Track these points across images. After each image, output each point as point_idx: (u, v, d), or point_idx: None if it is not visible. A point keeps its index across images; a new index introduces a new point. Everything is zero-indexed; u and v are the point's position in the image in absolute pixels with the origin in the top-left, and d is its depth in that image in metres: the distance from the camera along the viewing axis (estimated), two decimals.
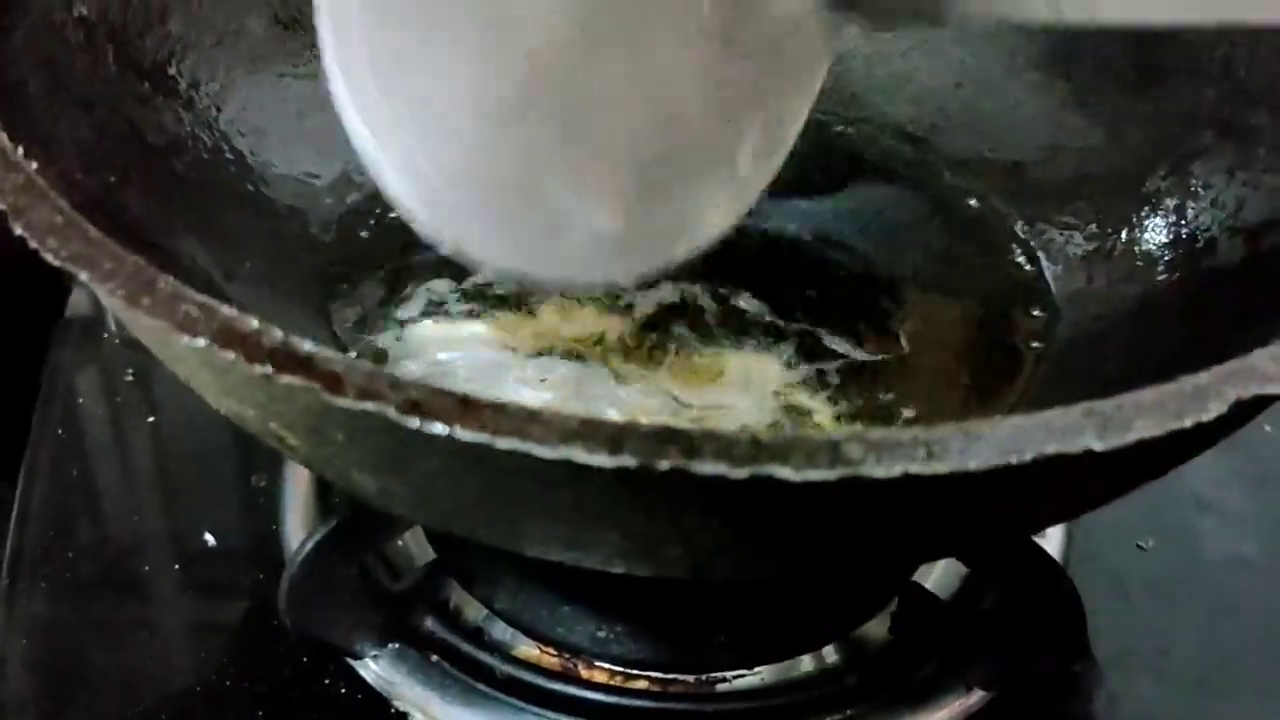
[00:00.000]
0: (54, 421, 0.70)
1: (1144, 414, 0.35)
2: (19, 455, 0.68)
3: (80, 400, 0.71)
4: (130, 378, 0.72)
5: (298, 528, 0.64)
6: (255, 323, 0.35)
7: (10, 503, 0.66)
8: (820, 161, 0.69)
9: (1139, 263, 0.62)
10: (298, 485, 0.65)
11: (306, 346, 0.34)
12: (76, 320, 0.75)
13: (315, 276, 0.63)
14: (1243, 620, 0.63)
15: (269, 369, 0.34)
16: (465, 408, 0.34)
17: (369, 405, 0.34)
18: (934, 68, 0.72)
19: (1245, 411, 0.37)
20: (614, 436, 0.33)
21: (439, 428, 0.33)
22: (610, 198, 0.49)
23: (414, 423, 0.33)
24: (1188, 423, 0.35)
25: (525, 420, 0.33)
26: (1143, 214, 0.63)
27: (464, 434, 0.33)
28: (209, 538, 0.64)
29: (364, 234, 0.65)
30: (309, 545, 0.56)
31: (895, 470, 0.33)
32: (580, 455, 0.33)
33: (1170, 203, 0.62)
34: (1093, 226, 0.65)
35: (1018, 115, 0.70)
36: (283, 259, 0.62)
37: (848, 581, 0.62)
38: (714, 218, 0.50)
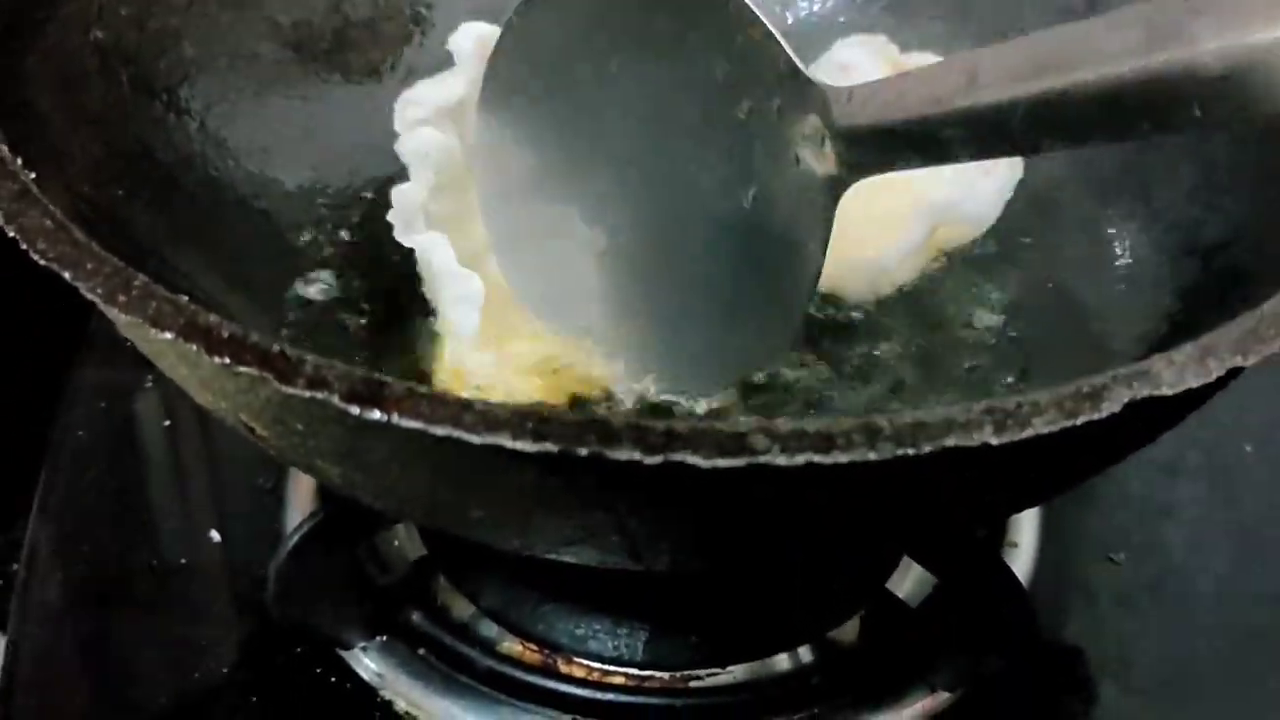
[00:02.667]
0: (74, 424, 0.73)
1: (1040, 412, 0.37)
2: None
3: (100, 405, 0.75)
4: (149, 385, 0.75)
5: (296, 523, 0.67)
6: (215, 318, 0.38)
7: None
8: None
9: None
10: (299, 486, 0.68)
11: (260, 340, 0.37)
12: (99, 330, 0.79)
13: None
14: (1209, 633, 0.65)
15: (226, 359, 0.37)
16: (404, 397, 0.36)
17: (316, 394, 0.37)
18: None
19: (1143, 416, 0.39)
20: (538, 425, 0.36)
21: (379, 415, 0.36)
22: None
23: (356, 410, 0.36)
24: (1079, 421, 0.37)
25: (458, 409, 0.36)
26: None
27: (402, 421, 0.36)
28: (214, 534, 0.67)
29: (368, 251, 0.68)
30: (296, 537, 0.59)
31: (798, 460, 0.36)
32: (507, 442, 0.36)
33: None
34: None
35: None
36: (286, 273, 0.65)
37: (821, 585, 0.64)
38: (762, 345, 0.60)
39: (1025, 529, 0.68)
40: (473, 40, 0.66)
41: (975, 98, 0.47)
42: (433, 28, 0.74)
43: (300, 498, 0.68)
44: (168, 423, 0.74)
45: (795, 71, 0.53)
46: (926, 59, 0.67)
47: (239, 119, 0.66)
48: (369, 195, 0.69)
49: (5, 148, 0.45)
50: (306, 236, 0.67)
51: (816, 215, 0.54)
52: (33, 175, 0.45)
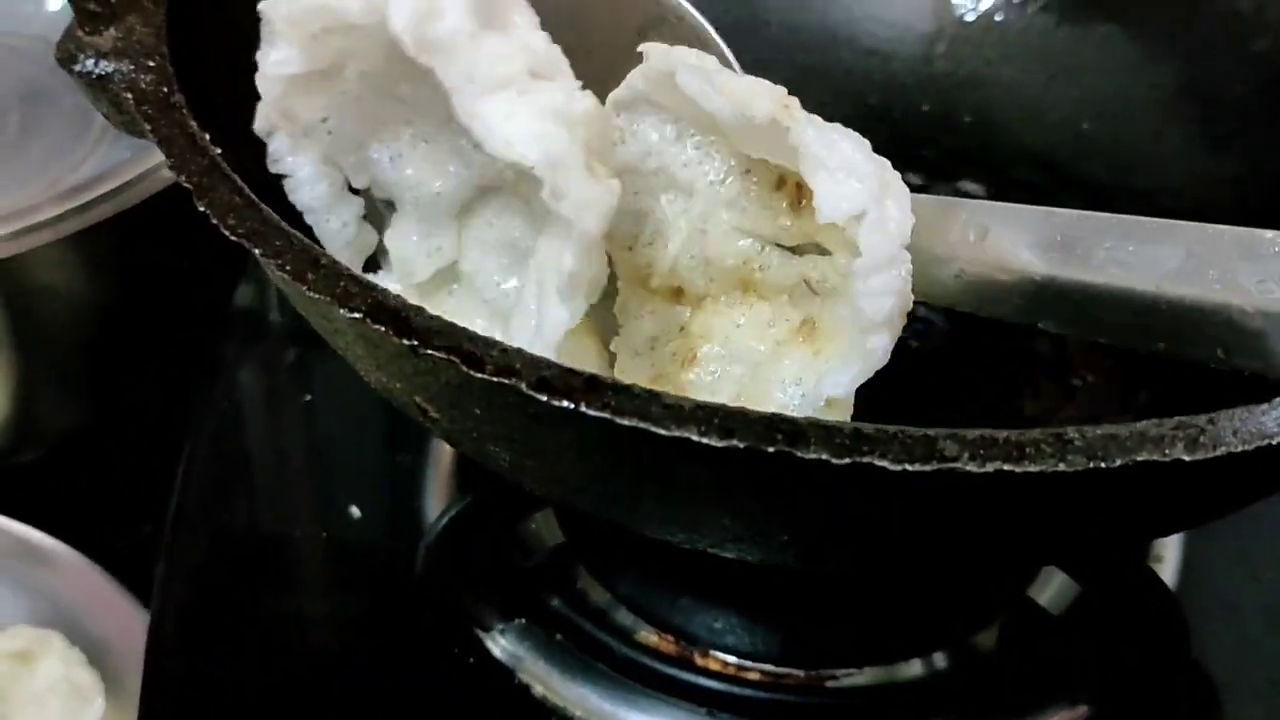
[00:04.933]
0: (219, 396, 0.75)
1: (1235, 429, 0.36)
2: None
3: (241, 379, 0.76)
4: (290, 359, 0.76)
5: (437, 504, 0.67)
6: (406, 300, 0.38)
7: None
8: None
9: None
10: (439, 465, 0.69)
11: (449, 325, 0.38)
12: (241, 311, 0.81)
13: None
14: None
15: (415, 343, 0.38)
16: (591, 387, 0.37)
17: (505, 380, 0.37)
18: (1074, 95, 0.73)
19: None
20: (726, 421, 0.36)
21: (566, 404, 0.36)
22: None
23: (543, 398, 0.37)
24: (1276, 441, 0.36)
25: (646, 401, 0.36)
26: None
27: (589, 411, 0.36)
28: (354, 509, 0.68)
29: None
30: (446, 518, 0.59)
31: (988, 467, 0.35)
32: (694, 436, 0.36)
33: None
34: None
35: (1158, 147, 0.71)
36: None
37: (961, 591, 0.63)
38: None
39: (1170, 544, 0.66)
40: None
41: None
42: None
43: (440, 480, 0.69)
44: (308, 398, 0.75)
45: None
46: None
47: None
48: None
49: (195, 124, 0.46)
50: None
51: None
52: (218, 152, 0.45)
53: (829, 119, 0.47)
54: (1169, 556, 0.66)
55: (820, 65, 0.77)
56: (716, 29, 0.58)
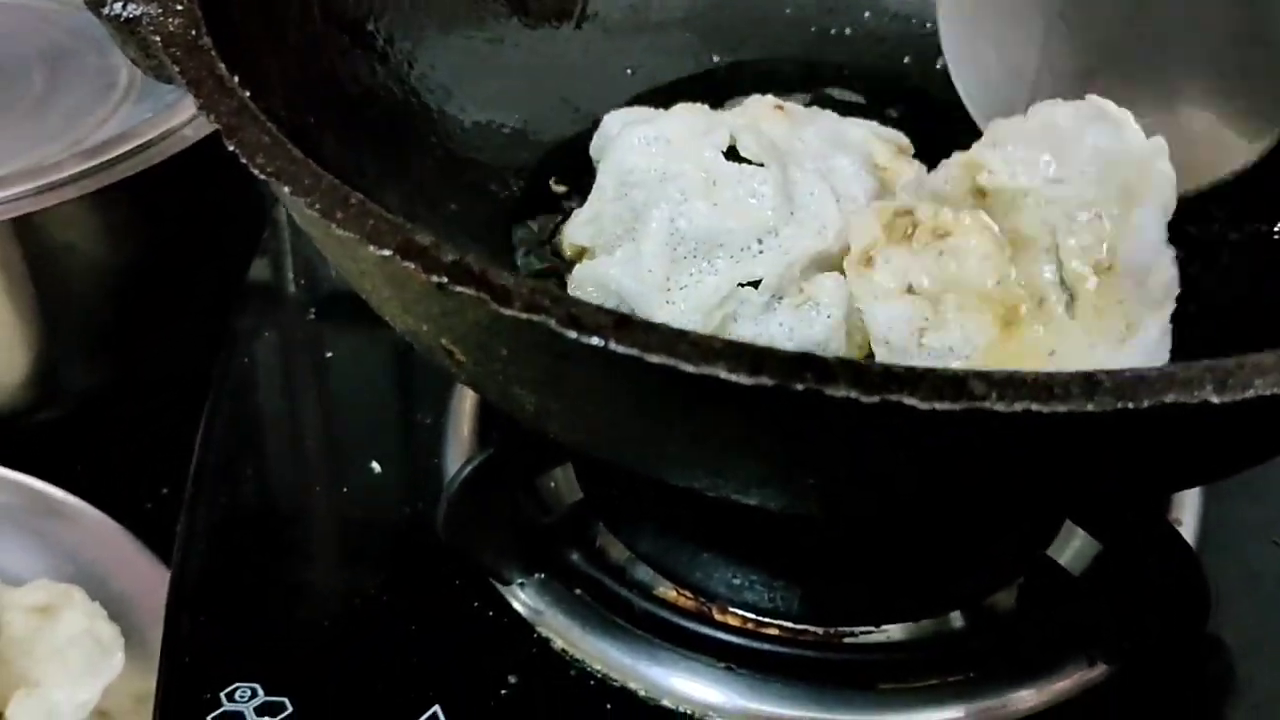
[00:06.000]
0: (239, 354, 0.75)
1: (1264, 373, 0.36)
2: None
3: (265, 335, 0.76)
4: (311, 317, 0.77)
5: (456, 460, 0.68)
6: (432, 238, 0.38)
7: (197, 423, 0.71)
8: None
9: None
10: (459, 422, 0.69)
11: (478, 261, 0.38)
12: (257, 285, 0.81)
13: (497, 224, 0.67)
14: None
15: (444, 279, 0.38)
16: (621, 324, 0.37)
17: (534, 317, 0.37)
18: None
19: None
20: (755, 358, 0.36)
21: (596, 340, 0.36)
22: None
23: (573, 335, 0.37)
24: None
25: (674, 338, 0.36)
26: None
27: (618, 348, 0.36)
28: (375, 465, 0.68)
29: (543, 185, 0.68)
30: (466, 470, 0.59)
31: (1016, 406, 0.35)
32: (723, 373, 0.36)
33: None
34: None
35: None
36: (464, 207, 0.66)
37: (980, 549, 0.63)
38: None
39: (1188, 507, 0.66)
40: None
41: None
42: None
43: (460, 436, 0.69)
44: (330, 354, 0.75)
45: None
46: None
47: (421, 56, 0.67)
48: (545, 141, 0.69)
49: (223, 65, 0.46)
50: (485, 171, 0.67)
51: None
52: (247, 94, 0.45)
53: None
54: (1188, 519, 0.66)
55: None
56: None
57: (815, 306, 0.58)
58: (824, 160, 0.64)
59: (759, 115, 0.64)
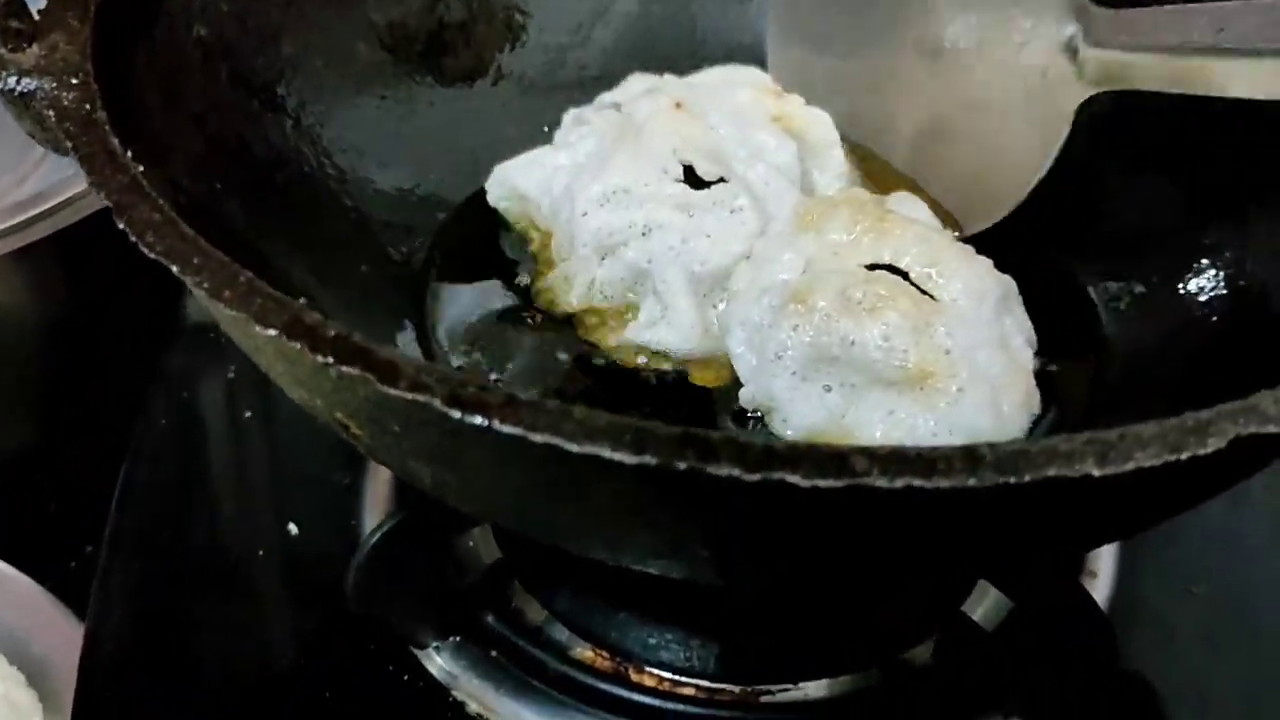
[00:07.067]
0: (157, 413, 0.74)
1: (1144, 445, 0.37)
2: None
3: (183, 395, 0.76)
4: (231, 376, 0.76)
5: (373, 521, 0.67)
6: (319, 316, 0.38)
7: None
8: None
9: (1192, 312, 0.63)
10: (377, 484, 0.69)
11: (363, 340, 0.38)
12: (189, 326, 0.80)
13: (407, 286, 0.67)
14: None
15: (329, 359, 0.38)
16: (505, 403, 0.37)
17: (418, 396, 0.37)
18: None
19: (1248, 452, 0.38)
20: (637, 436, 0.36)
21: (480, 420, 0.36)
22: None
23: (457, 414, 0.37)
24: (1184, 456, 0.36)
25: (558, 416, 0.36)
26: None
27: (503, 427, 0.36)
28: (293, 527, 0.68)
29: (454, 247, 0.68)
30: (377, 535, 0.59)
31: (898, 483, 0.35)
32: (606, 453, 0.36)
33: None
34: (1153, 277, 0.66)
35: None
36: (377, 269, 0.66)
37: (895, 607, 0.64)
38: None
39: (1104, 558, 0.67)
40: None
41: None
42: (527, 34, 0.74)
43: (377, 497, 0.69)
44: (249, 414, 0.75)
45: None
46: None
47: (333, 118, 0.67)
48: (457, 201, 0.69)
49: (116, 140, 0.46)
50: (396, 234, 0.67)
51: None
52: (140, 169, 0.45)
53: None
54: (1103, 570, 0.66)
55: None
56: None
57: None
58: (747, 143, 0.66)
59: (670, 127, 0.66)
